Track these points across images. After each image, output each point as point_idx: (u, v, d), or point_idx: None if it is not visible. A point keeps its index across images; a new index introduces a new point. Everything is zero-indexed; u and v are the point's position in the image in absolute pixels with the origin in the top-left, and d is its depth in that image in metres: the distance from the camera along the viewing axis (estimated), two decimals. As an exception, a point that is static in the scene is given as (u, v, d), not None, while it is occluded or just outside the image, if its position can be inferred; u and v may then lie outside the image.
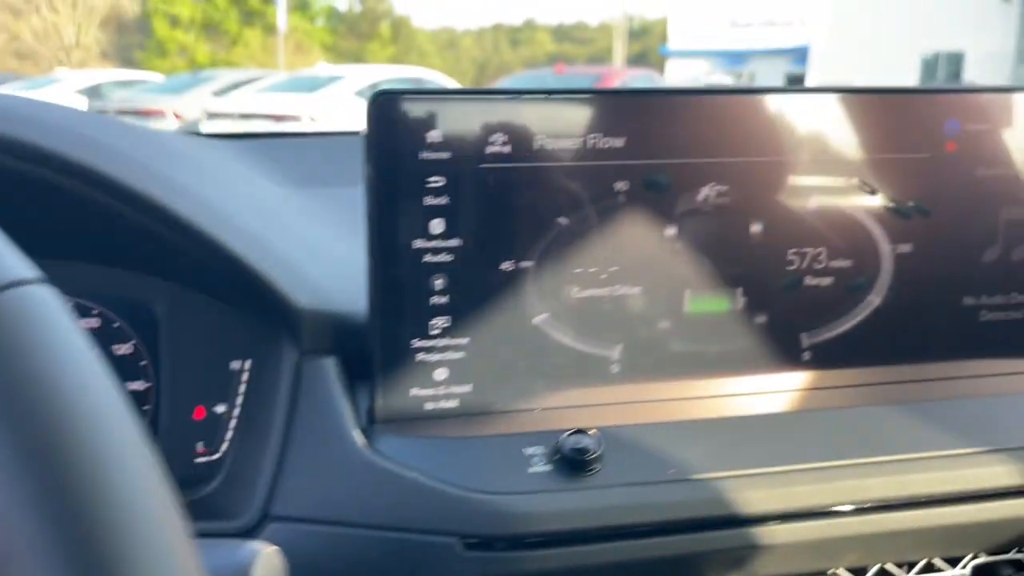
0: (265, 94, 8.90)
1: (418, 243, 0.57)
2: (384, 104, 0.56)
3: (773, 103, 0.62)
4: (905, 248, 0.64)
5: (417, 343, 0.58)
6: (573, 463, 0.54)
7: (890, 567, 0.64)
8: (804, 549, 0.57)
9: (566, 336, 0.60)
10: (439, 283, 0.58)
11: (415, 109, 0.56)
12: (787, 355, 0.64)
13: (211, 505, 0.58)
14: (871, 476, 0.58)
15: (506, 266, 0.59)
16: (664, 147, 0.60)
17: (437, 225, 0.57)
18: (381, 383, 0.58)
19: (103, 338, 0.64)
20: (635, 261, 0.61)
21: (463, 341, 0.59)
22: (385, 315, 0.57)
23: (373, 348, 0.57)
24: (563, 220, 0.59)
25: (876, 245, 0.64)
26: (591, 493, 0.54)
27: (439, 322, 0.58)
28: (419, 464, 0.54)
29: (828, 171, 0.63)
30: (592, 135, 0.59)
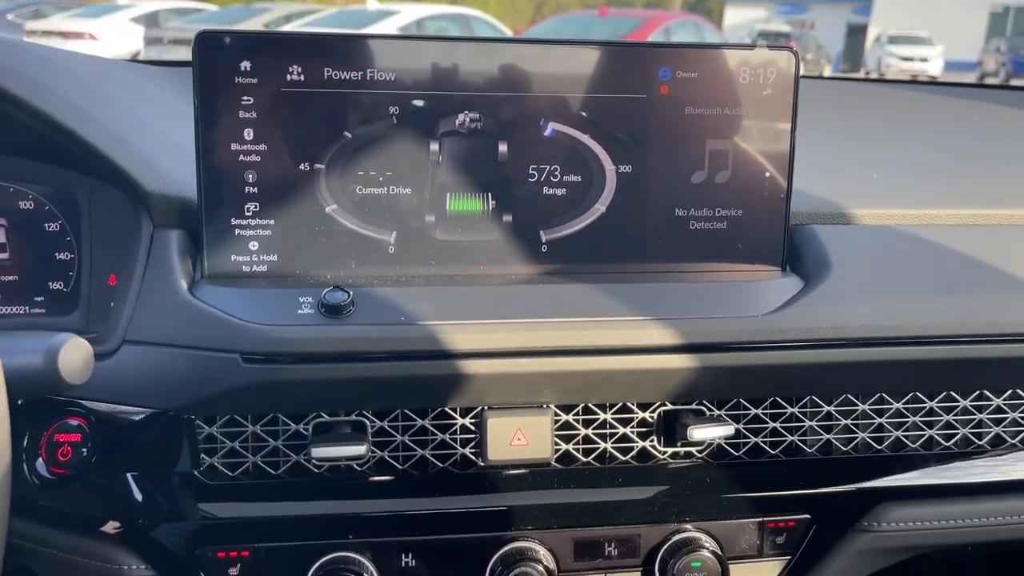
0: (309, 28, 9.16)
1: (234, 146, 0.77)
2: (209, 39, 0.75)
3: (517, 52, 0.80)
4: (625, 168, 0.82)
5: (234, 221, 0.79)
6: (330, 308, 0.75)
7: (595, 408, 0.84)
8: (504, 381, 0.77)
9: (351, 223, 0.80)
10: (251, 177, 0.78)
11: (232, 45, 0.76)
12: (529, 247, 0.83)
13: (92, 333, 0.81)
14: (560, 329, 0.77)
15: (303, 167, 0.79)
16: (427, 81, 0.79)
17: (248, 133, 0.77)
18: (207, 250, 0.79)
19: (37, 216, 0.86)
20: (406, 168, 0.80)
21: (270, 222, 0.79)
22: (209, 199, 0.78)
23: (200, 224, 0.78)
24: (348, 134, 0.79)
25: (602, 165, 0.82)
26: (337, 328, 0.74)
27: (251, 207, 0.79)
28: (222, 305, 0.75)
29: (561, 106, 0.81)
30: (370, 70, 0.78)
